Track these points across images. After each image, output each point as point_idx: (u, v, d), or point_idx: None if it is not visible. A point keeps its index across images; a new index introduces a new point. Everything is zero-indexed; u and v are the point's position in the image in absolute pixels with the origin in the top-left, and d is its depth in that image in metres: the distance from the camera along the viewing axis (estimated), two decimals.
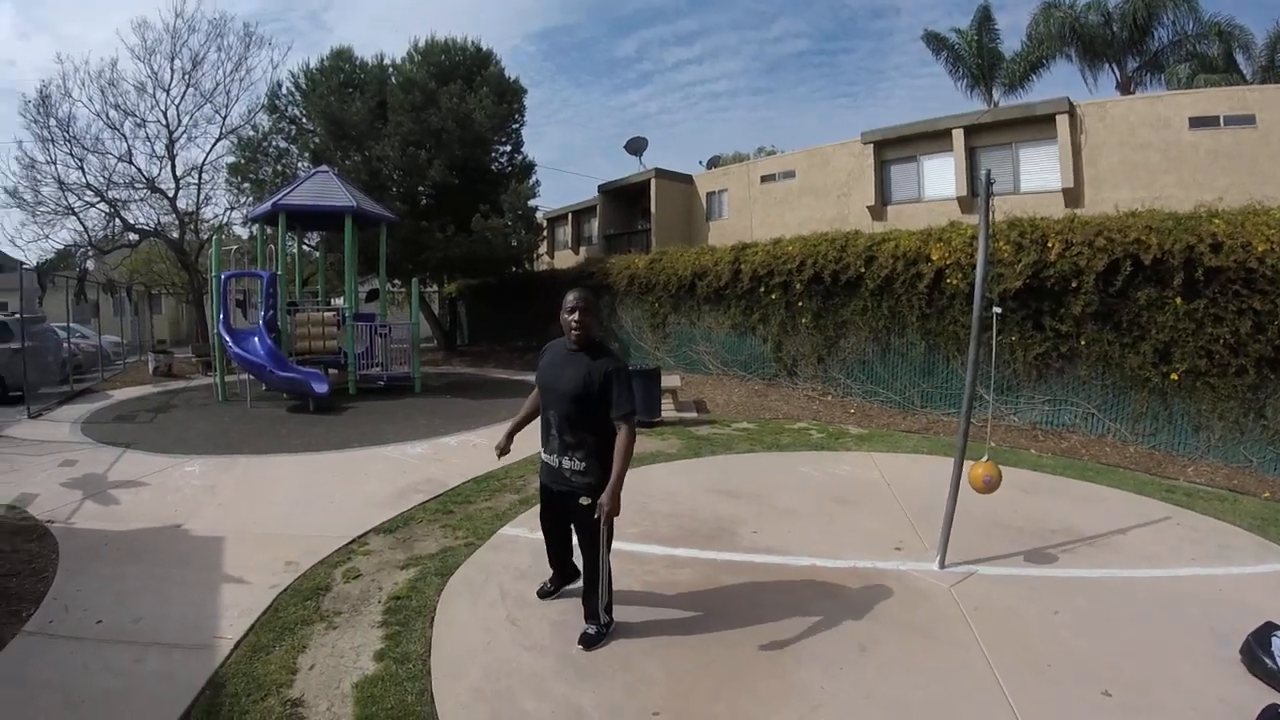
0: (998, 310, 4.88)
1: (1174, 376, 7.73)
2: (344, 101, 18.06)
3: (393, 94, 18.42)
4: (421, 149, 17.90)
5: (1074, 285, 8.29)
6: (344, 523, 5.68)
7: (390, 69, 19.78)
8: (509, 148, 21.34)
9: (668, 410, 10.42)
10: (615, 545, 3.78)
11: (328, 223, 15.80)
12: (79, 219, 19.89)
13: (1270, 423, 7.19)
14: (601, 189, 26.60)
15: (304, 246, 19.55)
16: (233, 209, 21.74)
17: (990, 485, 4.71)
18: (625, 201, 26.15)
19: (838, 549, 5.04)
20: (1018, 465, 7.42)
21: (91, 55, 31.07)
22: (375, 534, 5.48)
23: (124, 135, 19.71)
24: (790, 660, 3.53)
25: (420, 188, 18.93)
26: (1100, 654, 3.55)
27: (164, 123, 19.93)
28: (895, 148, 18.77)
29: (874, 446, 8.54)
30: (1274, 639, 3.35)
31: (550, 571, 4.25)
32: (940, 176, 17.67)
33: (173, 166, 20.39)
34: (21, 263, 15.86)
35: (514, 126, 20.98)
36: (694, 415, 10.68)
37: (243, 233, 23.47)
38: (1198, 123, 14.24)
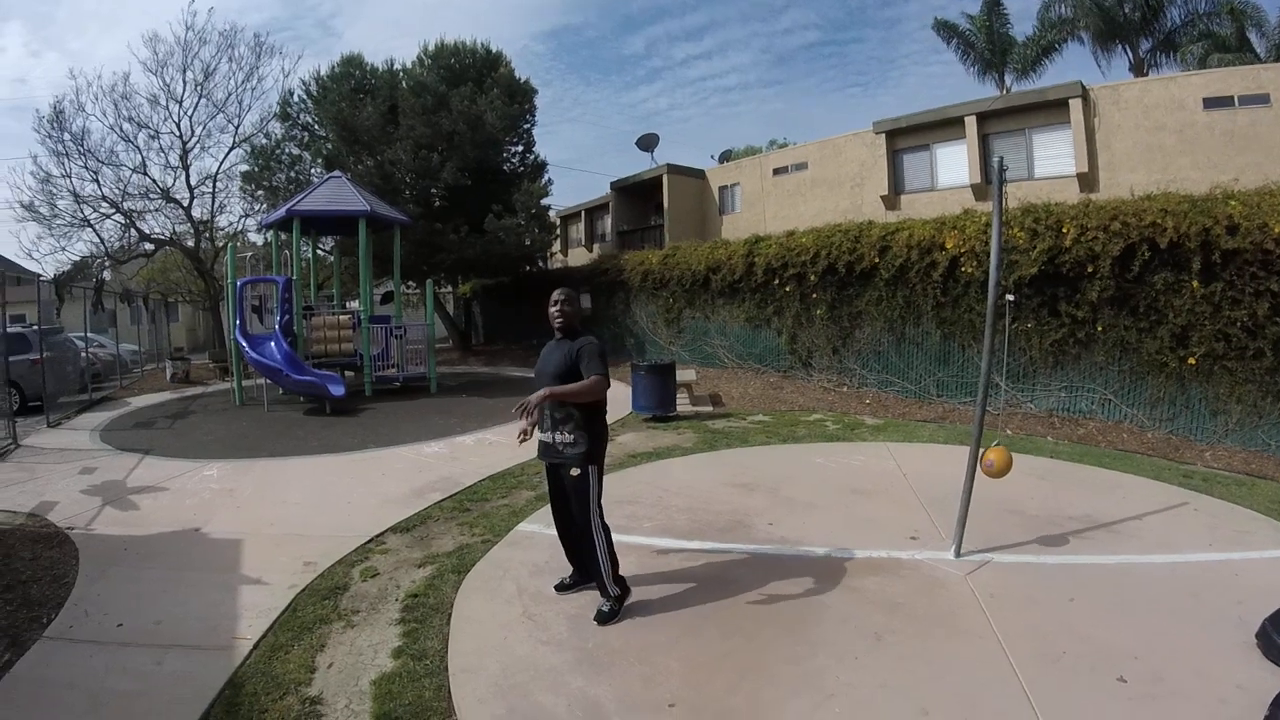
0: (1010, 298, 4.84)
1: (1191, 361, 7.63)
2: (355, 107, 18.18)
3: (404, 98, 18.52)
4: (433, 152, 18.01)
5: (1090, 270, 8.21)
6: (361, 522, 5.73)
7: (401, 73, 19.91)
8: (520, 147, 21.44)
9: (683, 404, 10.43)
10: (631, 539, 3.84)
11: (342, 227, 15.94)
12: (95, 230, 20.15)
13: None
14: (614, 186, 26.61)
15: (319, 251, 19.70)
16: (247, 216, 21.99)
17: (991, 469, 4.62)
18: (638, 198, 26.13)
19: (853, 539, 5.02)
20: (1034, 453, 7.38)
21: (103, 70, 31.28)
22: (392, 533, 5.53)
23: (138, 147, 19.98)
24: (806, 650, 3.52)
25: (433, 190, 19.04)
26: (1116, 641, 3.52)
27: (177, 133, 20.17)
28: (907, 136, 18.64)
29: (889, 437, 8.50)
30: None
31: (570, 567, 4.29)
32: (953, 164, 17.54)
33: (187, 176, 20.63)
34: (39, 275, 16.06)
35: (525, 126, 21.04)
36: (709, 409, 10.68)
37: (258, 239, 23.70)
38: (1212, 103, 14.03)
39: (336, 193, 13.99)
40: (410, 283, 21.04)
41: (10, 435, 9.38)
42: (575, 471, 3.82)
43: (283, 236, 15.87)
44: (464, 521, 5.74)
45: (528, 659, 3.53)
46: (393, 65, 20.08)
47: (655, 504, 5.97)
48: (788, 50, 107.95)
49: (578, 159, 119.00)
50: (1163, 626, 3.67)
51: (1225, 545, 4.80)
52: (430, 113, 18.05)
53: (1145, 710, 2.97)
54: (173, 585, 4.58)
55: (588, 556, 3.94)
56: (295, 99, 20.18)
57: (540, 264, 23.43)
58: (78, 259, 20.40)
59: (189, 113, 20.10)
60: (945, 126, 17.65)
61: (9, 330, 11.22)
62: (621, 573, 4.04)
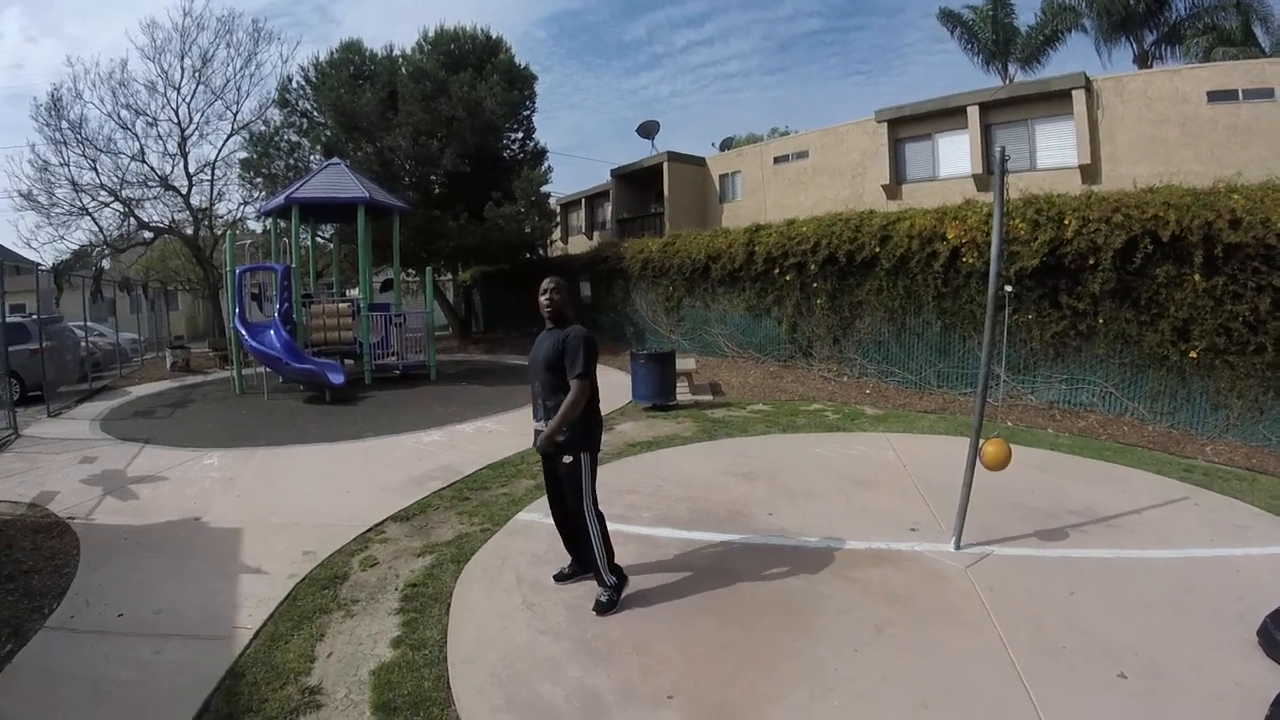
0: (1009, 289, 4.81)
1: (1193, 354, 7.62)
2: (354, 93, 18.07)
3: (403, 84, 18.41)
4: (433, 138, 17.92)
5: (1091, 263, 8.18)
6: (361, 511, 5.74)
7: (400, 60, 19.77)
8: (520, 134, 21.35)
9: (683, 393, 10.42)
10: (630, 529, 3.85)
11: (341, 214, 15.88)
12: (93, 219, 20.04)
13: None
14: (614, 173, 26.52)
15: (318, 239, 19.63)
16: (246, 204, 21.89)
17: (985, 460, 4.59)
18: (638, 185, 26.05)
19: (853, 530, 5.03)
20: (1035, 445, 7.38)
21: (101, 57, 31.13)
22: (392, 522, 5.54)
23: (136, 135, 19.83)
24: (805, 642, 3.53)
25: (432, 177, 18.96)
26: (1116, 636, 3.52)
27: (175, 121, 20.05)
28: (910, 126, 18.56)
29: (889, 427, 8.50)
30: None
31: (569, 557, 4.30)
32: (955, 154, 17.47)
33: (185, 164, 20.51)
34: (38, 264, 16.00)
35: (525, 113, 20.94)
36: (709, 398, 10.67)
37: (256, 227, 23.62)
38: (1216, 96, 13.96)
39: (335, 180, 13.94)
40: (410, 270, 21.00)
41: (11, 425, 9.37)
42: (568, 459, 3.84)
43: (282, 224, 15.84)
44: (463, 510, 5.74)
45: (526, 649, 3.53)
46: (392, 51, 19.95)
47: (654, 493, 5.97)
48: (790, 37, 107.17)
49: (578, 145, 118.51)
50: (1162, 622, 3.67)
51: (1225, 541, 4.80)
52: (430, 99, 17.94)
53: (1144, 706, 2.98)
54: (173, 575, 4.60)
55: (584, 545, 3.96)
56: (294, 85, 20.05)
57: (540, 251, 23.38)
58: (77, 248, 20.35)
59: (187, 100, 20.00)
60: (947, 116, 17.57)
61: (9, 320, 11.18)
62: (620, 562, 4.05)
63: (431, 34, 19.91)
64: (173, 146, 20.33)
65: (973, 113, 16.86)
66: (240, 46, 20.65)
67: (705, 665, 3.35)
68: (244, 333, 12.19)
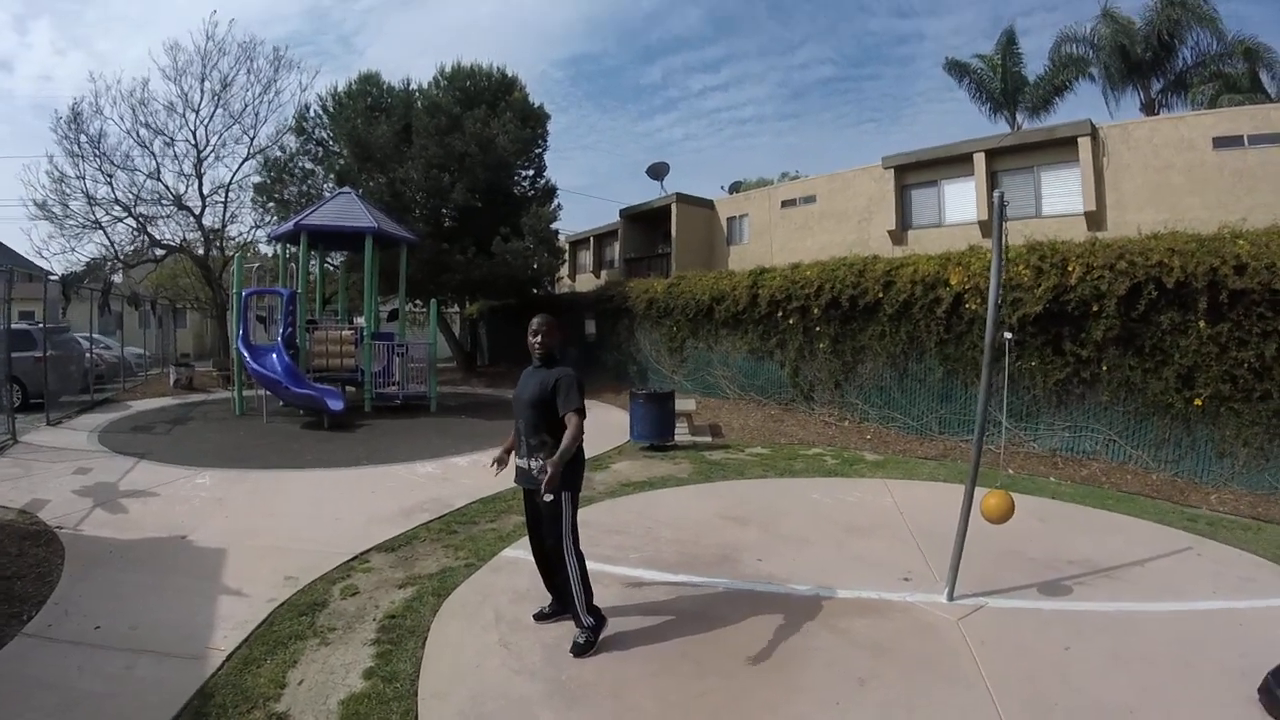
0: (1009, 335, 4.75)
1: (1198, 402, 7.53)
2: (370, 125, 18.33)
3: (418, 118, 18.68)
4: (445, 172, 18.12)
5: (1095, 309, 8.14)
6: (347, 539, 5.68)
7: (416, 93, 20.08)
8: (531, 172, 21.57)
9: (682, 434, 10.33)
10: (616, 570, 3.76)
11: (350, 243, 16.02)
12: (106, 233, 20.19)
13: None
14: (623, 213, 26.70)
15: (327, 266, 19.74)
16: (257, 227, 22.02)
17: (989, 512, 4.49)
18: (647, 226, 26.21)
19: (844, 578, 4.91)
20: (1037, 493, 7.27)
21: (124, 74, 31.79)
22: (377, 551, 5.47)
23: (153, 153, 20.04)
24: (785, 694, 3.41)
25: (443, 210, 19.13)
26: (1112, 694, 3.40)
27: (192, 142, 20.29)
28: (916, 172, 18.68)
29: (889, 473, 8.39)
30: None
31: (550, 596, 4.20)
32: (961, 201, 17.54)
33: (200, 184, 20.71)
34: (49, 273, 16.11)
35: (537, 151, 21.19)
36: (708, 439, 10.58)
37: (267, 250, 23.79)
38: (1222, 143, 13.97)
39: (345, 209, 14.09)
40: (417, 301, 21.09)
41: (10, 431, 9.42)
42: (548, 496, 3.75)
43: (291, 249, 15.95)
44: (449, 544, 5.66)
45: (499, 688, 3.44)
46: (409, 85, 20.29)
47: (644, 535, 5.87)
48: (804, 85, 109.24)
49: (592, 185, 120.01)
50: (1161, 679, 3.55)
51: (1229, 593, 4.67)
52: (443, 133, 18.18)
53: None
54: (154, 591, 4.58)
55: (563, 584, 3.89)
56: (311, 114, 20.36)
57: (547, 288, 23.46)
58: (88, 260, 20.52)
59: (205, 122, 20.25)
60: (954, 163, 17.68)
61: (14, 327, 11.26)
62: (603, 603, 3.97)
63: (448, 70, 20.21)
64: (188, 167, 20.56)
65: (979, 159, 16.95)
66: (260, 73, 20.88)
67: (680, 714, 3.24)
68: (247, 355, 12.22)
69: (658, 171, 27.69)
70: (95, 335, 15.16)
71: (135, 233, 20.68)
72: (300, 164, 20.45)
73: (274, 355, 12.36)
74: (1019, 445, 9.04)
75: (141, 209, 20.28)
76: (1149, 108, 22.18)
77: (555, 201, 21.44)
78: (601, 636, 3.87)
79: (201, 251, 21.41)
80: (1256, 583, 4.89)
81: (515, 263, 18.40)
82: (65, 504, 6.49)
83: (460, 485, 7.64)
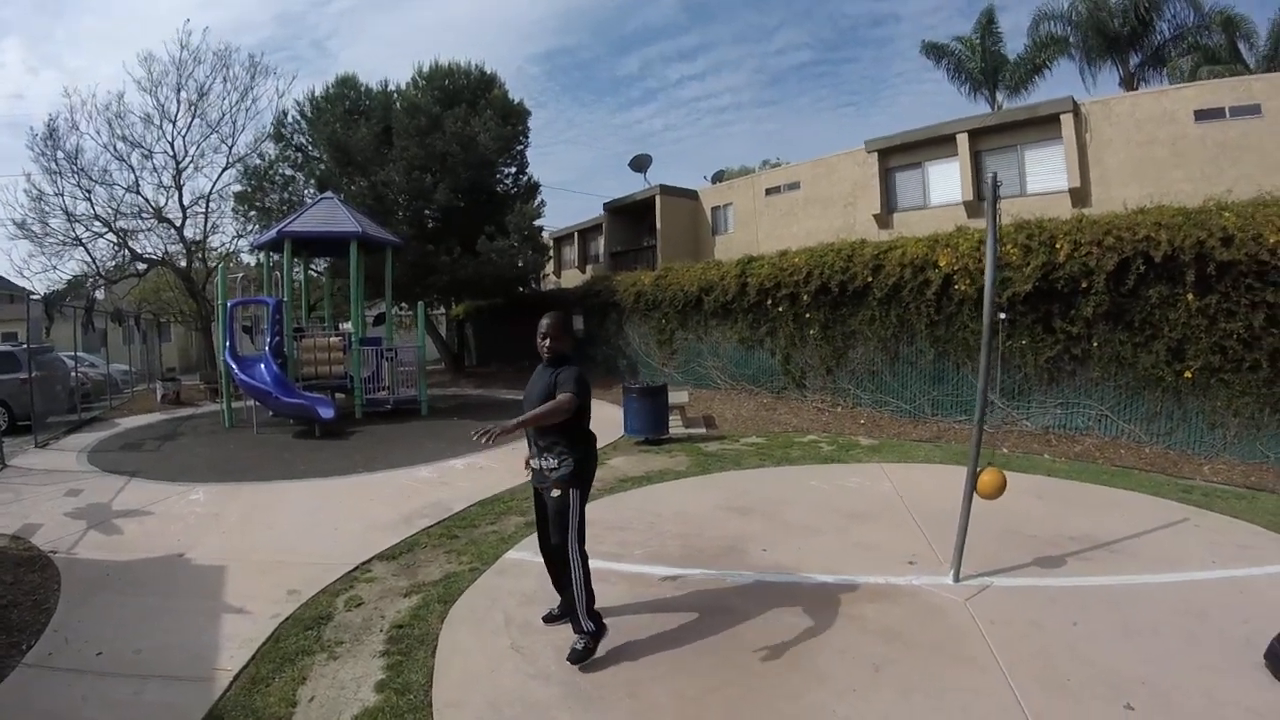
0: (1002, 315, 4.77)
1: (1188, 374, 7.59)
2: (349, 128, 18.20)
3: (397, 119, 18.56)
4: (427, 173, 18.02)
5: (1084, 286, 8.18)
6: (347, 549, 5.61)
7: (395, 95, 19.95)
8: (514, 169, 21.47)
9: (676, 427, 10.32)
10: (622, 567, 3.73)
11: (334, 248, 15.90)
12: (87, 250, 20.09)
13: None
14: (607, 207, 26.62)
15: (311, 272, 19.61)
16: (240, 237, 21.92)
17: (983, 489, 4.51)
18: (631, 219, 26.15)
19: (850, 565, 4.92)
20: (1032, 471, 7.31)
21: (99, 89, 31.39)
22: (379, 560, 5.41)
23: (131, 166, 19.93)
24: (802, 683, 3.41)
25: (426, 211, 19.02)
26: (1121, 665, 3.42)
27: (171, 153, 20.17)
28: (900, 155, 18.69)
29: (885, 457, 8.42)
30: None
31: (559, 598, 4.17)
32: (945, 182, 17.57)
33: (180, 196, 20.61)
34: (30, 293, 15.92)
35: (518, 148, 21.09)
36: (703, 431, 10.58)
37: (250, 260, 23.62)
38: (1203, 115, 14.04)
39: (328, 214, 13.97)
40: (403, 304, 20.99)
41: None
42: (555, 493, 3.75)
43: (274, 257, 15.82)
44: (452, 549, 5.62)
45: (515, 693, 3.41)
46: (387, 86, 20.17)
47: (647, 529, 5.87)
48: (781, 70, 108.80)
49: (573, 180, 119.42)
50: (1169, 648, 3.58)
51: (1228, 562, 4.73)
52: (424, 134, 18.07)
53: None
54: (155, 613, 4.48)
55: (568, 584, 3.84)
56: (289, 119, 20.22)
57: (534, 285, 23.39)
58: (70, 278, 20.34)
59: (182, 133, 20.15)
60: (937, 144, 17.70)
61: None
62: (611, 601, 3.94)
63: (426, 69, 20.06)
64: (168, 179, 20.46)
65: (962, 140, 16.98)
66: (236, 81, 20.77)
67: (700, 709, 3.23)
68: (234, 366, 12.09)
69: (640, 164, 27.62)
70: (80, 353, 14.97)
71: (116, 248, 20.58)
72: (280, 171, 20.35)
73: (262, 365, 12.24)
74: (1012, 424, 9.09)
75: (122, 223, 20.22)
76: (1128, 82, 22.31)
77: (539, 198, 21.37)
78: (607, 637, 3.81)
79: (184, 264, 21.26)
80: (1254, 550, 4.95)
81: (501, 261, 18.35)
82: (58, 527, 6.37)
83: (458, 489, 7.60)
